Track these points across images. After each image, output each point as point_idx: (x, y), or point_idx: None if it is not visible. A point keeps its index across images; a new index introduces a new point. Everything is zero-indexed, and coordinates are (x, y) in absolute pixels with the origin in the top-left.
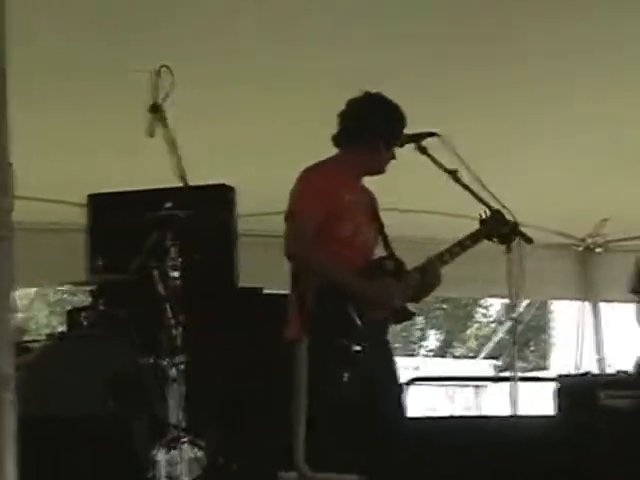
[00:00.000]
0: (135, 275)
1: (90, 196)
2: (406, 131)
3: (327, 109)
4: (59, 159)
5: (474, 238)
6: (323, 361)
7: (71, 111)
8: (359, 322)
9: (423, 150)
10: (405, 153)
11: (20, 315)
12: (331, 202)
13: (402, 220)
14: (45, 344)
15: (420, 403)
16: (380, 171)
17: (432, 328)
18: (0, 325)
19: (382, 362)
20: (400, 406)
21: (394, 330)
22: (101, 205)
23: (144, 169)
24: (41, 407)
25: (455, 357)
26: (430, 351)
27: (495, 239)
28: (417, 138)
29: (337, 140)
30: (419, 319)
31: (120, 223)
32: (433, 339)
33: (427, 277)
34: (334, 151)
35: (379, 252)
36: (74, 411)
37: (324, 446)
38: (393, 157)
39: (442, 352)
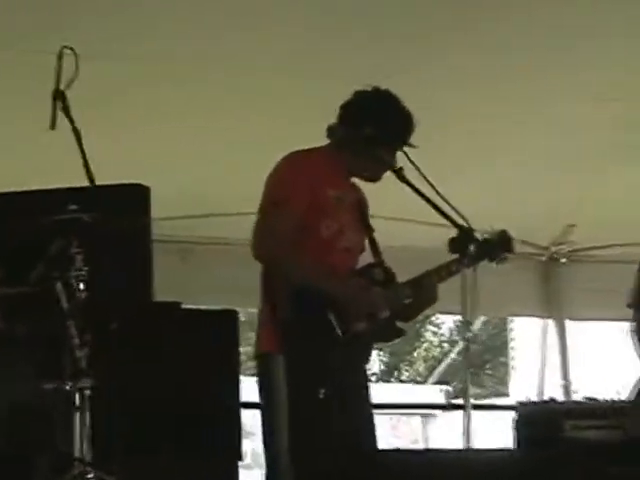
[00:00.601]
0: (35, 287)
1: None
2: None
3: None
4: None
5: (474, 259)
6: (298, 375)
7: None
8: (340, 332)
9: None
10: None
11: None
12: (314, 195)
13: None
14: None
15: None
16: (374, 179)
17: (375, 349)
18: None
19: (356, 387)
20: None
21: None
22: None
23: (45, 165)
24: None
25: (401, 381)
26: (373, 375)
27: (498, 261)
28: None
29: (332, 131)
30: None
31: (16, 228)
32: (376, 361)
33: (421, 293)
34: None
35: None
36: None
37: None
38: (391, 166)
39: (386, 376)
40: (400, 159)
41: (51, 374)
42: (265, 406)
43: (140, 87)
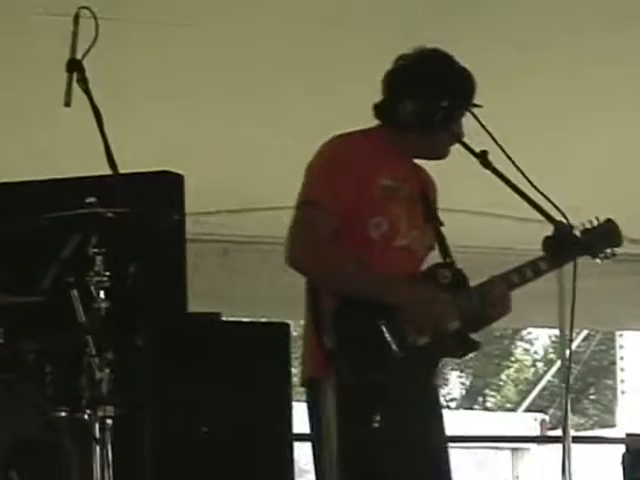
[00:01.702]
0: (46, 296)
1: None
2: None
3: None
4: None
5: (568, 256)
6: (347, 403)
7: None
8: (396, 347)
9: None
10: None
11: None
12: (360, 189)
13: None
14: None
15: None
16: (439, 156)
17: (455, 370)
18: None
19: (424, 411)
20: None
21: None
22: None
23: (58, 150)
24: None
25: (486, 409)
26: (452, 400)
27: (602, 257)
28: None
29: (379, 111)
30: None
31: (25, 224)
32: (457, 385)
33: (486, 302)
34: None
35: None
36: None
37: None
38: (458, 138)
39: (469, 402)
40: (483, 142)
41: (65, 401)
42: (316, 440)
43: (172, 58)
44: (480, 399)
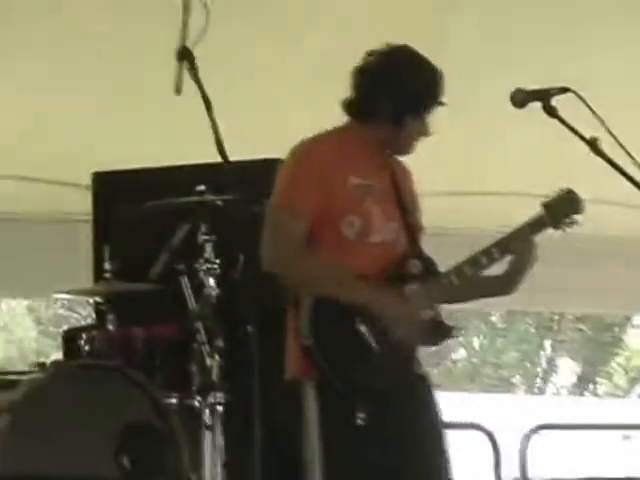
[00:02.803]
0: (156, 283)
1: (95, 175)
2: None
3: None
4: (49, 124)
5: (534, 228)
6: (328, 402)
7: (57, 63)
8: (374, 343)
9: (552, 111)
10: (527, 116)
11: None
12: (330, 191)
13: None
14: (33, 378)
15: (548, 459)
16: (406, 151)
17: (565, 356)
18: None
19: (408, 403)
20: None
21: (510, 357)
22: (110, 187)
23: (169, 139)
24: (28, 465)
25: (597, 396)
26: (562, 387)
27: (566, 227)
28: (544, 95)
29: (348, 107)
30: (546, 343)
31: (135, 212)
32: (566, 371)
33: (462, 282)
34: None
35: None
36: (72, 472)
37: None
38: (425, 134)
39: (580, 390)
40: (591, 127)
41: (175, 387)
42: (299, 439)
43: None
44: (591, 386)
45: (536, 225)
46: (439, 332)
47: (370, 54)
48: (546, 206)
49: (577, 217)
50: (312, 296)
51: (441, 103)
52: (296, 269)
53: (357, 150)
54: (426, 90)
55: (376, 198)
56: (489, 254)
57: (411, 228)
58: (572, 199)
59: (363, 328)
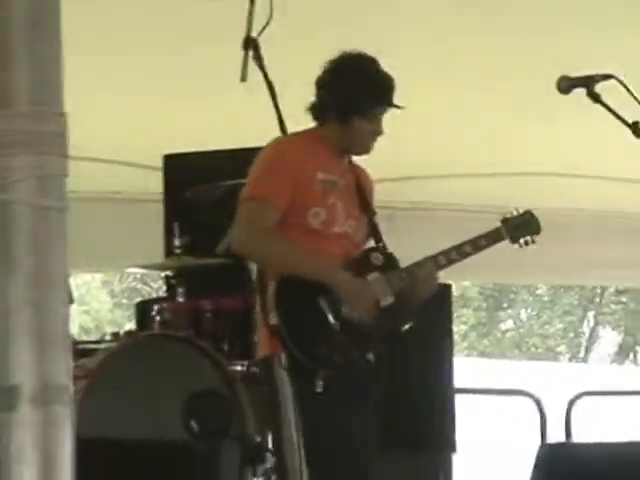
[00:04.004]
0: (224, 258)
1: (167, 157)
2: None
3: None
4: (127, 113)
5: (492, 238)
6: (295, 374)
7: (131, 55)
8: (333, 320)
9: (596, 98)
10: (572, 102)
11: (77, 308)
12: (298, 184)
13: (567, 188)
14: (108, 347)
15: (591, 424)
16: (360, 150)
17: (607, 326)
18: (52, 323)
19: (355, 384)
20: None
21: (555, 328)
22: (181, 168)
23: (237, 122)
24: (104, 427)
25: (637, 364)
26: (604, 356)
27: (523, 245)
28: (588, 81)
29: (310, 111)
30: (589, 315)
31: (205, 191)
32: (608, 341)
33: (415, 281)
34: None
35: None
36: (145, 433)
37: None
38: (377, 133)
39: (621, 357)
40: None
41: (241, 357)
42: (274, 411)
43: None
44: (631, 355)
45: (491, 237)
46: (400, 318)
47: (325, 65)
48: (504, 221)
49: (535, 238)
50: (276, 280)
51: (392, 105)
52: (262, 247)
53: (323, 149)
54: (369, 92)
55: (340, 194)
56: (437, 261)
57: (376, 226)
58: (531, 221)
59: (325, 306)
